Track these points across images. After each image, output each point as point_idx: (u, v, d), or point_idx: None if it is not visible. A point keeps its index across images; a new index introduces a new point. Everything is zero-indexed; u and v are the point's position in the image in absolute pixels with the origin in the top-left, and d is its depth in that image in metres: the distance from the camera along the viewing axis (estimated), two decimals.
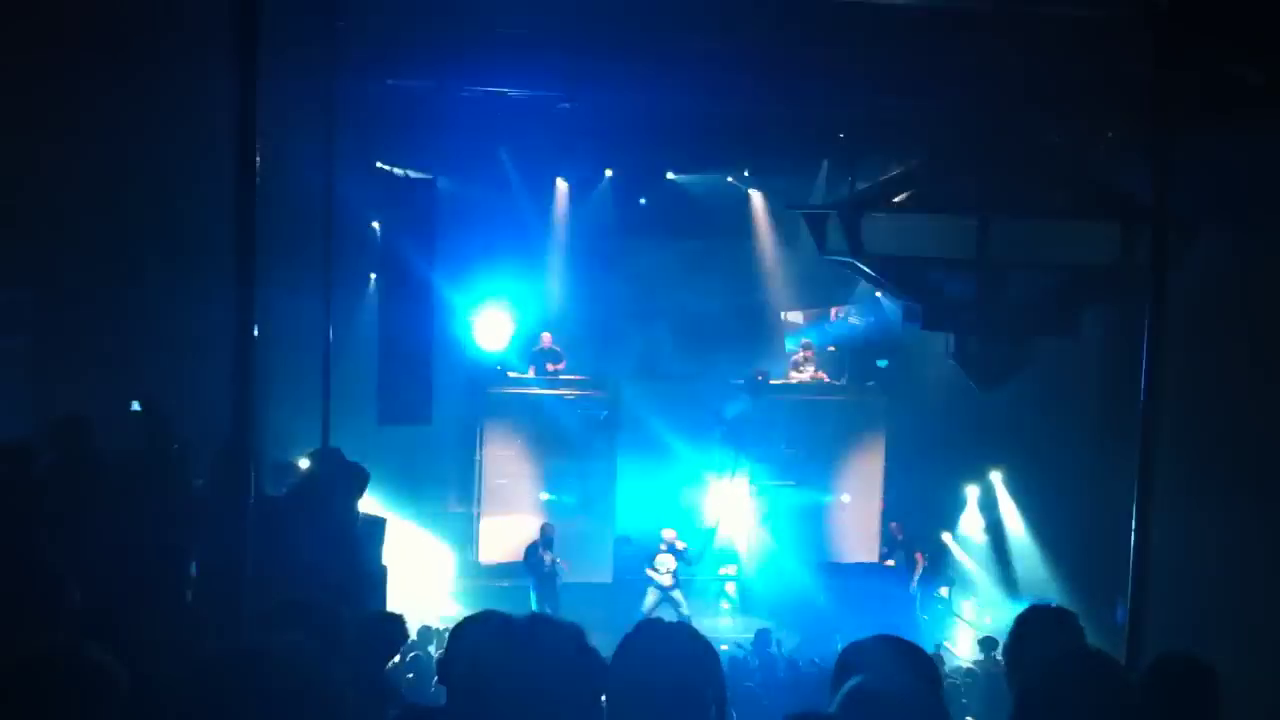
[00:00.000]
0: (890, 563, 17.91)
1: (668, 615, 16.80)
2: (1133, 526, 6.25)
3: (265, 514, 7.88)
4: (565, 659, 2.91)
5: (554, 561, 16.84)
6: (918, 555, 17.85)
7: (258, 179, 5.53)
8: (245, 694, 2.67)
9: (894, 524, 18.35)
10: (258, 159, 5.48)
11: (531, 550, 17.00)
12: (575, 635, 2.98)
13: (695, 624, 3.37)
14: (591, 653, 2.99)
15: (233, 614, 5.60)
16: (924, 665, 3.39)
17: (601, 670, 2.98)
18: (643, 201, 18.95)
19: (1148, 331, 6.19)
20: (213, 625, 5.25)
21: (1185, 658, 3.79)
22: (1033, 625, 4.19)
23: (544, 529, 17.14)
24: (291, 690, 2.69)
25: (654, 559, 17.51)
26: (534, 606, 16.55)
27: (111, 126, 12.28)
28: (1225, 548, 15.19)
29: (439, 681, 7.24)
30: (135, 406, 9.54)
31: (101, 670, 3.17)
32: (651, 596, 17.44)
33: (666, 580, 17.46)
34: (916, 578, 17.74)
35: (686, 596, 17.79)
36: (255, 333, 5.47)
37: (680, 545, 17.62)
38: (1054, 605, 4.57)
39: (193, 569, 5.40)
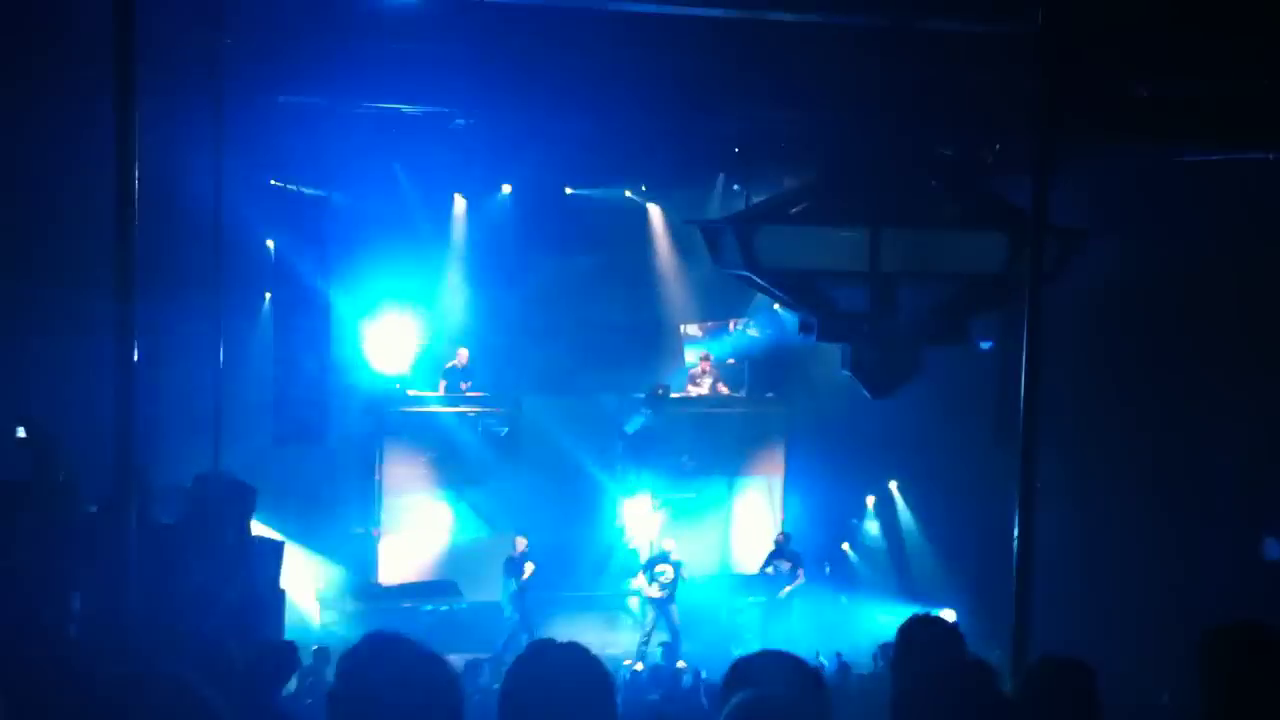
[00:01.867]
0: (770, 570, 17.96)
1: (659, 631, 16.64)
2: (1015, 534, 6.38)
3: (154, 541, 7.73)
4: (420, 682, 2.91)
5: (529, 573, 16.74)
6: (799, 571, 17.89)
7: (139, 196, 5.43)
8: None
9: (780, 534, 18.42)
10: (137, 175, 5.38)
11: (513, 564, 16.82)
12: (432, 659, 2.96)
13: (600, 638, 3.38)
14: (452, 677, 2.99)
15: (118, 645, 5.47)
16: (807, 677, 3.43)
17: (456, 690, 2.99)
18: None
19: (1026, 338, 6.34)
20: (97, 656, 5.13)
21: (1064, 659, 3.86)
22: (914, 635, 4.26)
23: (517, 542, 16.97)
24: (170, 715, 2.64)
25: (652, 569, 17.02)
26: (513, 620, 16.44)
27: None
28: (1115, 547, 15.61)
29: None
30: (20, 433, 9.27)
31: None
32: (649, 613, 16.89)
33: (656, 592, 16.85)
34: (789, 590, 17.72)
35: (590, 610, 17.74)
36: (136, 353, 5.36)
37: (675, 557, 17.12)
38: (935, 615, 4.67)
39: (75, 600, 5.26)
